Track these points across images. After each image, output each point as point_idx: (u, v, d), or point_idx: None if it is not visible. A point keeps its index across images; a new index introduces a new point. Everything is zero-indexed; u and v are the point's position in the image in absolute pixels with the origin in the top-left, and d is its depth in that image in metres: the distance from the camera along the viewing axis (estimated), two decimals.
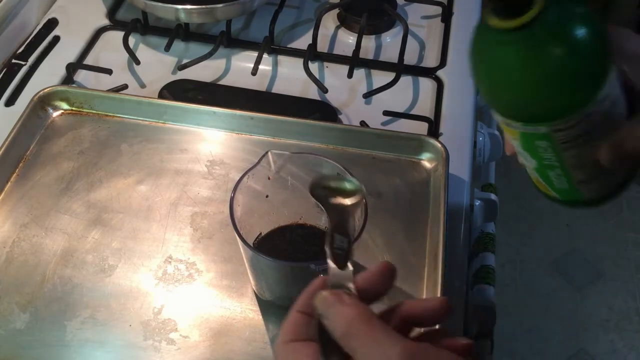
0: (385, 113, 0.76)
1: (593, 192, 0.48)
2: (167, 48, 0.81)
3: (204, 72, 0.81)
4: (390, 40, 0.87)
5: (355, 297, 0.38)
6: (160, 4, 0.79)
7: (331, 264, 0.41)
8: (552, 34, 0.37)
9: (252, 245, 0.55)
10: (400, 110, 0.78)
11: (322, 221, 0.59)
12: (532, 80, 0.38)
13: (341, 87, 0.80)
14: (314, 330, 0.38)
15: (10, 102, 0.76)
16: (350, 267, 0.41)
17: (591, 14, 0.38)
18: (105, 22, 0.87)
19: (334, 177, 0.48)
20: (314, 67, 0.82)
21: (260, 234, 0.59)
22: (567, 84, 0.38)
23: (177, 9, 0.80)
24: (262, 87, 0.81)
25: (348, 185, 0.47)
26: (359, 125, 0.74)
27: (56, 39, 0.84)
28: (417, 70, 0.83)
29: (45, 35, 0.85)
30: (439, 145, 0.67)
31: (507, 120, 0.42)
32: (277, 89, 0.81)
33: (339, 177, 0.48)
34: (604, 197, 0.49)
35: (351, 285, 0.39)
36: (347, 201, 0.46)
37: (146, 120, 0.73)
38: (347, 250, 0.42)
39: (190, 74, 0.80)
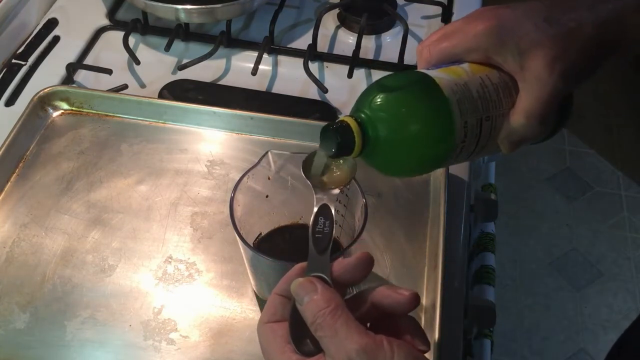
0: None
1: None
2: (167, 48, 0.81)
3: (204, 72, 0.81)
4: (390, 40, 0.87)
5: (328, 285, 0.41)
6: (160, 4, 0.79)
7: (311, 248, 0.42)
8: (380, 146, 0.43)
9: (252, 245, 0.55)
10: None
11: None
12: (395, 165, 0.45)
13: (341, 87, 0.80)
14: (288, 312, 0.41)
15: (10, 102, 0.76)
16: (329, 252, 0.43)
17: (402, 101, 0.43)
18: (105, 22, 0.87)
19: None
20: (314, 67, 0.82)
21: (260, 234, 0.59)
22: (417, 161, 0.45)
23: (177, 9, 0.80)
24: (262, 87, 0.81)
25: (341, 162, 0.47)
26: None
27: (56, 39, 0.84)
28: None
29: (45, 35, 0.85)
30: None
31: None
32: (277, 89, 0.81)
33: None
34: (542, 140, 0.52)
35: (328, 272, 0.42)
36: (339, 179, 0.47)
37: (146, 120, 0.73)
38: (328, 234, 0.43)
39: (190, 74, 0.80)
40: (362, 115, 0.43)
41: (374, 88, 0.44)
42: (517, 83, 0.46)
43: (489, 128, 0.45)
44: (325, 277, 0.41)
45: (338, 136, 0.43)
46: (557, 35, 0.44)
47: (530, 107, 0.45)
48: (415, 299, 0.41)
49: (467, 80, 0.45)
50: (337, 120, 0.43)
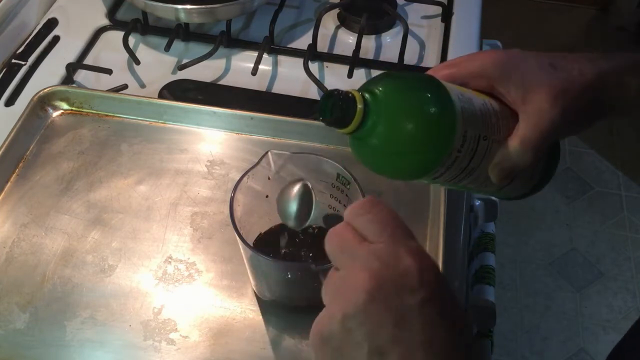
0: None
1: (512, 193, 0.52)
2: (167, 48, 0.81)
3: (204, 72, 0.81)
4: (390, 40, 0.87)
5: None
6: (160, 4, 0.79)
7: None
8: (376, 131, 0.42)
9: (252, 245, 0.55)
10: None
11: (321, 222, 0.59)
12: (384, 158, 0.44)
13: (341, 87, 0.79)
14: None
15: (10, 102, 0.76)
16: None
17: (409, 90, 0.43)
18: (105, 22, 0.87)
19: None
20: (314, 67, 0.82)
21: (260, 234, 0.59)
22: (410, 156, 0.43)
23: (177, 9, 0.80)
24: (262, 87, 0.81)
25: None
26: None
27: (56, 39, 0.84)
28: (418, 70, 0.83)
29: (45, 35, 0.85)
30: None
31: None
32: (277, 89, 0.81)
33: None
34: (526, 193, 0.52)
35: None
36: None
37: (146, 120, 0.73)
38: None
39: (190, 74, 0.80)
40: (369, 94, 0.42)
41: (385, 75, 0.44)
42: (516, 116, 0.47)
43: (484, 149, 0.45)
44: None
45: (340, 103, 0.41)
46: (560, 78, 0.46)
47: (528, 134, 0.46)
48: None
49: (472, 97, 0.45)
50: (343, 90, 0.42)
